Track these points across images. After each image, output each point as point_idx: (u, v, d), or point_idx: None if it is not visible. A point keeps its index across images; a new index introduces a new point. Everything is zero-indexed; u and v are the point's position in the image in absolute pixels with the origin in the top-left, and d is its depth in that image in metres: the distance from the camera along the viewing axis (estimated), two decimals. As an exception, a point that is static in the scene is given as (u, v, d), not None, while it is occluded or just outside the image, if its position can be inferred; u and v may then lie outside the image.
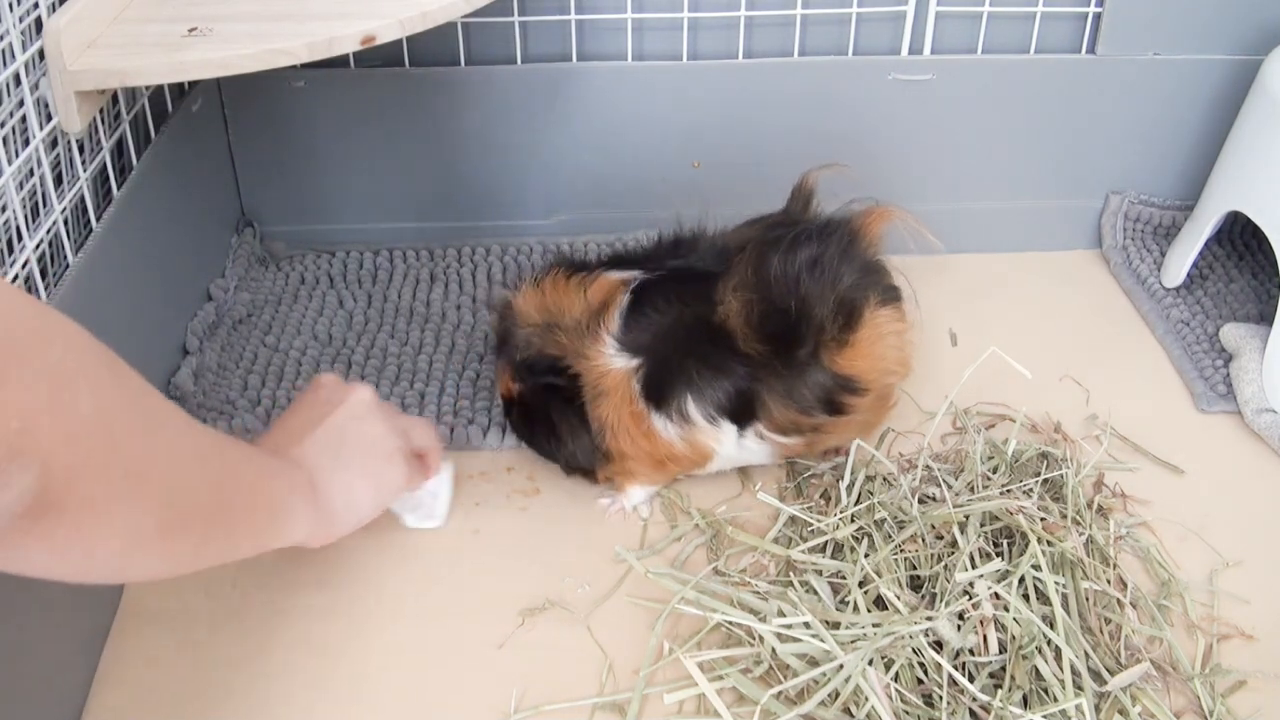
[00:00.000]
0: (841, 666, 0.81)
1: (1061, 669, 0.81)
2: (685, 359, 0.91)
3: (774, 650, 0.84)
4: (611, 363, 0.91)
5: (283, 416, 0.87)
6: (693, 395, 0.91)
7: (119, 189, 1.02)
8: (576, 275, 0.94)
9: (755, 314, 0.90)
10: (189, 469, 0.62)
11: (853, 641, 0.83)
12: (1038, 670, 0.82)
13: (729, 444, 0.94)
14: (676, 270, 0.95)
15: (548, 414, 0.94)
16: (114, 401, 0.55)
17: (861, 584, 0.88)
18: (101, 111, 1.00)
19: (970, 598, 0.85)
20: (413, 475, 0.90)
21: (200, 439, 0.65)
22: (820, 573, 0.90)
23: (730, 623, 0.87)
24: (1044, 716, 0.78)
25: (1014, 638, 0.83)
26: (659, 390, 0.91)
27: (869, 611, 0.86)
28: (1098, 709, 0.81)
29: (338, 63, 1.18)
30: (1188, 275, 1.27)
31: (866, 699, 0.79)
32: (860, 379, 0.94)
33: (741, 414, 0.93)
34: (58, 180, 0.94)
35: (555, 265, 0.96)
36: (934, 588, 0.87)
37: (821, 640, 0.83)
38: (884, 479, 1.00)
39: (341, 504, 0.82)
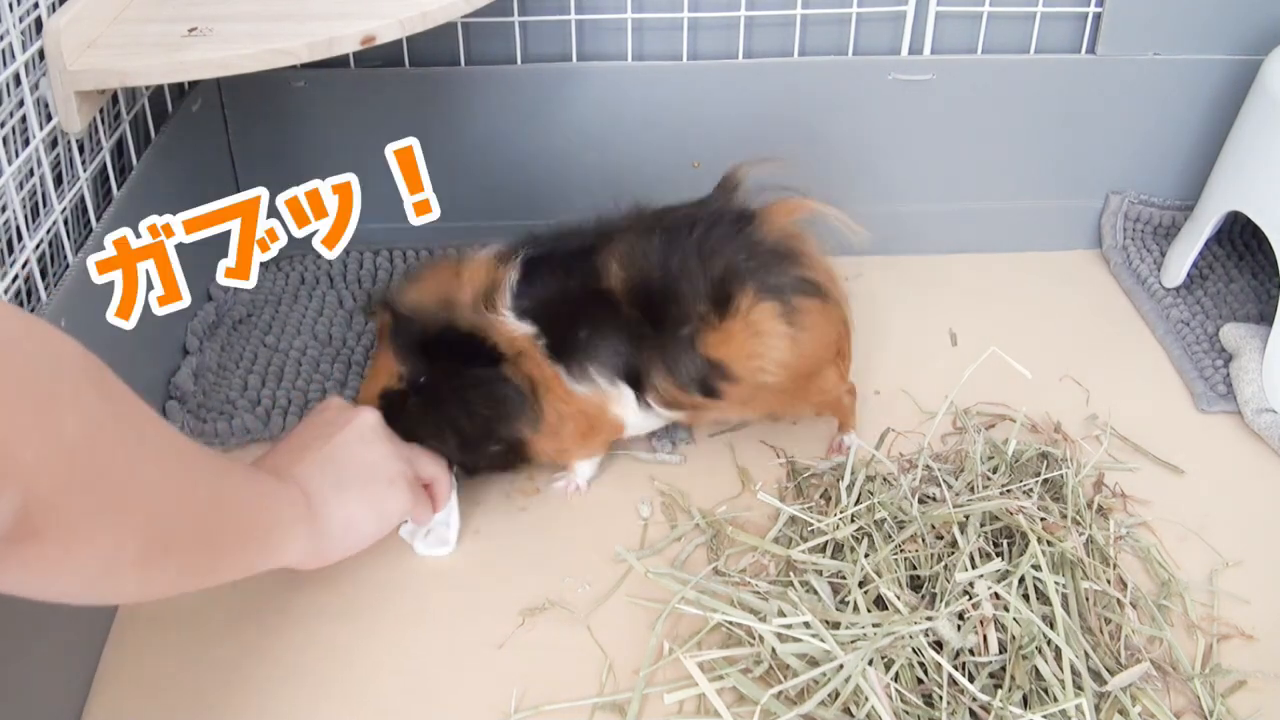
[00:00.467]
0: (841, 666, 0.81)
1: (1061, 669, 0.81)
2: (577, 323, 0.92)
3: (774, 650, 0.84)
4: (516, 328, 0.91)
5: (286, 436, 0.86)
6: (590, 359, 0.92)
7: (119, 189, 1.02)
8: (452, 263, 0.94)
9: (634, 282, 0.91)
10: (176, 492, 0.61)
11: (853, 641, 0.83)
12: (1038, 670, 0.82)
13: (632, 409, 0.95)
14: (559, 247, 0.95)
15: (464, 391, 0.92)
16: (101, 422, 0.53)
17: (861, 584, 0.88)
18: (101, 111, 1.00)
19: (970, 598, 0.85)
20: (417, 503, 0.89)
21: (192, 460, 0.63)
22: (820, 573, 0.90)
23: (730, 623, 0.87)
24: (1044, 716, 0.78)
25: (1014, 638, 0.83)
26: (562, 353, 0.92)
27: (869, 611, 0.86)
28: (1098, 709, 0.81)
29: (338, 63, 1.18)
30: (1188, 275, 1.27)
31: (866, 699, 0.79)
32: (728, 367, 0.92)
33: (634, 381, 0.94)
34: (58, 180, 0.94)
35: (428, 263, 0.96)
36: (934, 588, 0.87)
37: (821, 640, 0.83)
38: (884, 479, 1.00)
39: (340, 528, 0.81)
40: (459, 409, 0.93)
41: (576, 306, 0.92)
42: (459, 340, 0.91)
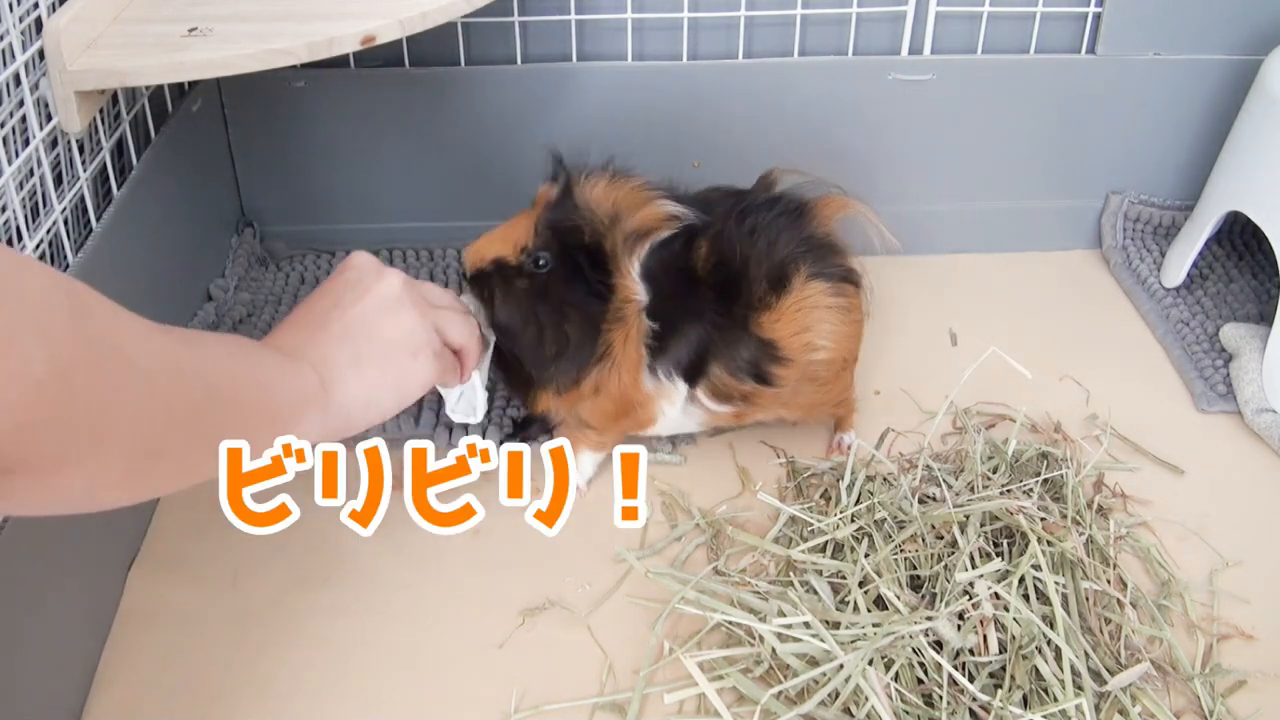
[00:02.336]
0: (841, 666, 0.81)
1: (1061, 669, 0.81)
2: (675, 302, 0.92)
3: (774, 650, 0.84)
4: (634, 290, 0.91)
5: (307, 300, 0.80)
6: (667, 353, 0.93)
7: (119, 189, 1.02)
8: (647, 190, 0.93)
9: (717, 269, 0.93)
10: (166, 403, 0.58)
11: (853, 641, 0.83)
12: (1038, 670, 0.82)
13: (677, 406, 0.96)
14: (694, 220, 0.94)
15: (565, 302, 0.91)
16: (75, 352, 0.51)
17: (861, 584, 0.88)
18: (101, 111, 1.00)
19: (970, 598, 0.85)
20: (444, 373, 0.84)
21: (186, 363, 0.60)
22: (820, 573, 0.91)
23: (730, 623, 0.87)
24: (1044, 716, 0.78)
25: (1014, 638, 0.83)
26: (658, 334, 0.92)
27: (869, 611, 0.86)
28: (1098, 709, 0.81)
29: (338, 63, 1.18)
30: (1188, 275, 1.27)
31: (866, 699, 0.79)
32: (780, 345, 0.94)
33: (693, 371, 0.94)
34: (58, 180, 0.94)
35: (626, 173, 0.94)
36: (934, 588, 0.87)
37: (821, 640, 0.83)
38: (884, 479, 1.00)
39: (359, 407, 0.77)
40: (548, 312, 0.91)
41: (680, 294, 0.92)
42: (601, 261, 0.91)
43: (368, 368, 0.76)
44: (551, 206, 0.92)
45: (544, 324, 0.91)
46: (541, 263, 0.91)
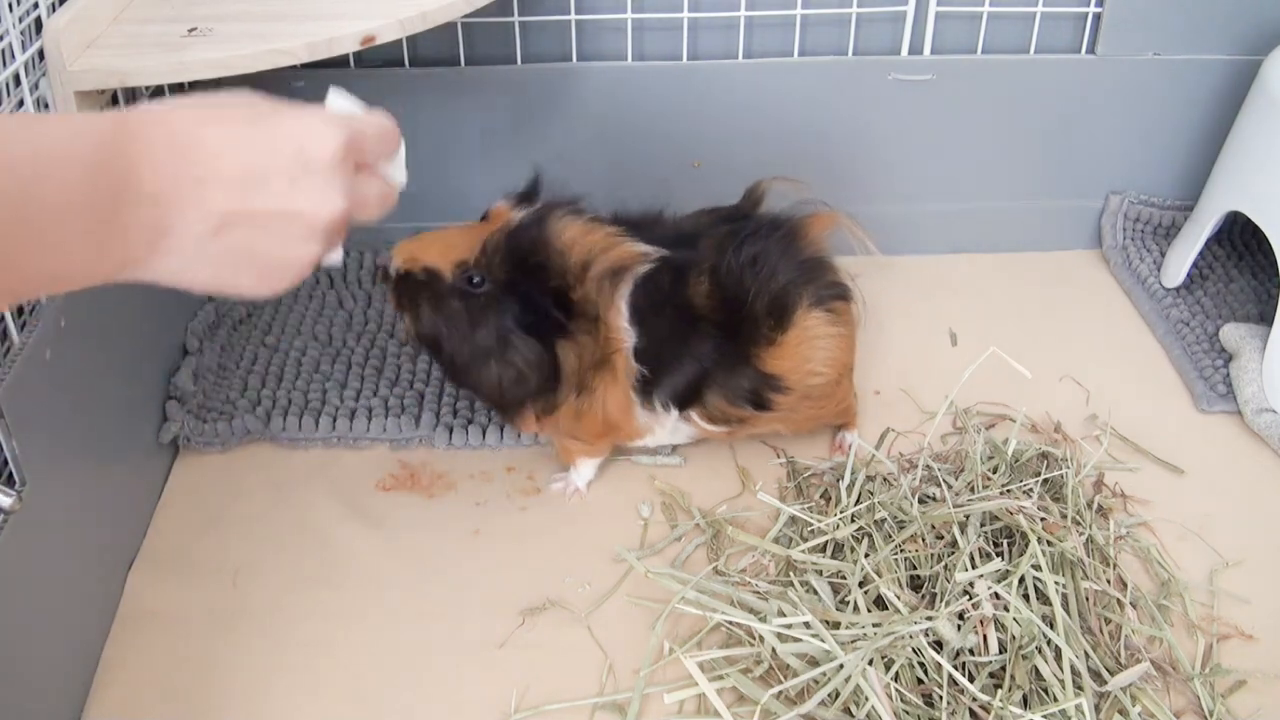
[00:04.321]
0: (841, 666, 0.81)
1: (1061, 669, 0.81)
2: (669, 340, 0.92)
3: (774, 650, 0.84)
4: (622, 334, 0.90)
5: (246, 136, 0.62)
6: (663, 388, 0.93)
7: (119, 189, 1.02)
8: (609, 229, 0.90)
9: (719, 304, 0.93)
10: None
11: (853, 641, 0.83)
12: (1038, 670, 0.82)
13: (667, 428, 0.97)
14: (673, 258, 0.93)
15: (509, 330, 0.86)
16: None
17: (861, 584, 0.88)
18: (101, 111, 1.00)
19: (970, 598, 0.85)
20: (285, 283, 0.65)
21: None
22: (820, 572, 0.91)
23: (730, 623, 0.87)
24: (1044, 716, 0.78)
25: (1014, 638, 0.83)
26: (650, 369, 0.92)
27: (869, 611, 0.86)
28: (1098, 709, 0.81)
29: (338, 63, 1.18)
30: (1188, 275, 1.27)
31: (866, 699, 0.79)
32: (784, 379, 0.95)
33: (687, 399, 0.95)
34: (58, 180, 0.94)
35: (590, 213, 0.92)
36: (934, 588, 0.87)
37: (821, 640, 0.83)
38: (884, 479, 1.00)
39: (162, 278, 0.60)
40: (503, 348, 0.87)
41: (670, 323, 0.92)
42: (559, 302, 0.87)
43: (204, 267, 0.59)
44: (513, 232, 0.87)
45: (486, 349, 0.87)
46: (476, 281, 0.86)
